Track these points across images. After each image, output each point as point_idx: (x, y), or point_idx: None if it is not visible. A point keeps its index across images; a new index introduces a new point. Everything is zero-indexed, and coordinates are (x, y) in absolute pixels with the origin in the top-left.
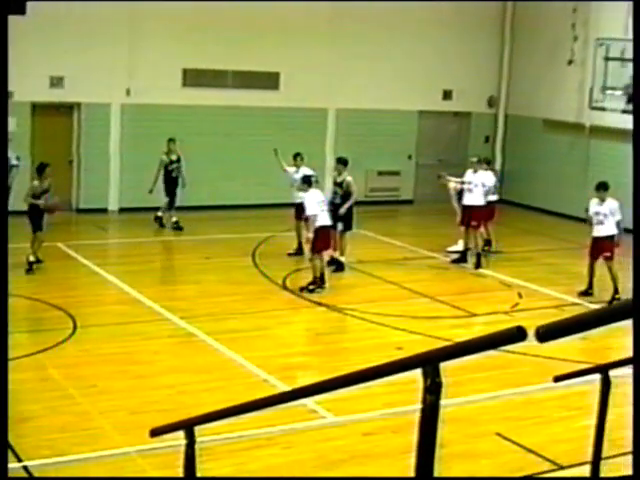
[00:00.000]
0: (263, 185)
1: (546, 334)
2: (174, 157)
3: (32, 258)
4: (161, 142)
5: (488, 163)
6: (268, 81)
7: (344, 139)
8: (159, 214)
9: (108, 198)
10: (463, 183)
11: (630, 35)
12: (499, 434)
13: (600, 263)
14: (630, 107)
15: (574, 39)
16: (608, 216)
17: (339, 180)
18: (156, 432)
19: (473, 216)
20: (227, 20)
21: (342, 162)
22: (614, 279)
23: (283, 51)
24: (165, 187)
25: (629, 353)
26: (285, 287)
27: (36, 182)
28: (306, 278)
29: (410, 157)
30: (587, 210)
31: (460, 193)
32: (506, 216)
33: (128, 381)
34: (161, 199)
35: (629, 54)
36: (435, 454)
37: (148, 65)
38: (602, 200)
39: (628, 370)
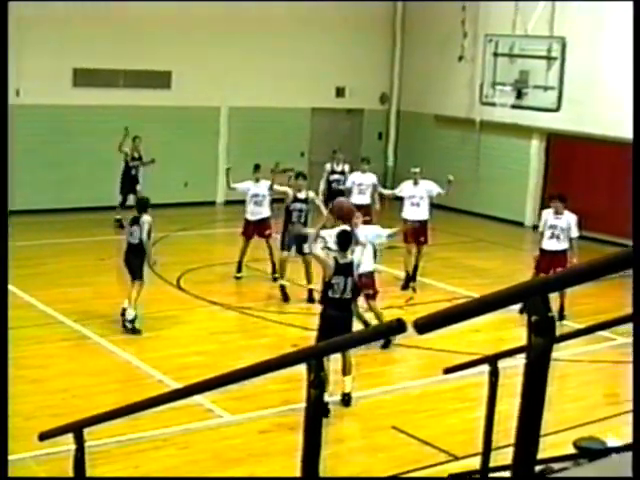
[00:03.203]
0: (154, 185)
1: (424, 326)
2: (136, 154)
3: None
4: (52, 142)
5: (368, 162)
6: (160, 80)
7: (237, 137)
8: (118, 216)
9: None
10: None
11: (518, 31)
12: (395, 427)
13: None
14: (519, 102)
15: (464, 35)
16: (565, 230)
17: (302, 196)
18: (45, 436)
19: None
20: (117, 19)
21: (302, 176)
22: (562, 294)
23: (174, 50)
24: (122, 185)
25: (519, 343)
26: (179, 287)
27: None
28: (200, 278)
29: (303, 154)
30: (538, 226)
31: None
32: (400, 211)
33: (22, 386)
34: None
35: (517, 50)
36: (321, 449)
37: (37, 65)
38: (558, 213)
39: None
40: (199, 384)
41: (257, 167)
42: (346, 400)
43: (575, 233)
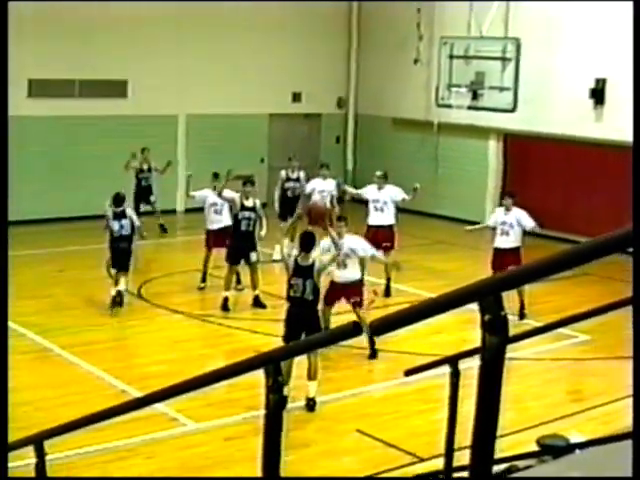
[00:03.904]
0: (111, 194)
1: (380, 327)
2: (145, 166)
3: None
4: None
5: (328, 168)
6: (116, 89)
7: (195, 145)
8: (160, 221)
9: None
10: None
11: (473, 33)
12: (360, 430)
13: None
14: (475, 103)
15: (419, 38)
16: (514, 226)
17: (250, 204)
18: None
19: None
20: (71, 28)
21: (250, 182)
22: (520, 292)
23: (130, 58)
24: (135, 198)
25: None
26: (140, 296)
27: None
28: (161, 287)
29: (262, 160)
30: (489, 225)
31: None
32: (359, 214)
33: None
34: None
35: (473, 51)
36: (286, 454)
37: None
38: (507, 209)
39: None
40: (156, 393)
41: (216, 175)
42: (310, 405)
43: (529, 224)
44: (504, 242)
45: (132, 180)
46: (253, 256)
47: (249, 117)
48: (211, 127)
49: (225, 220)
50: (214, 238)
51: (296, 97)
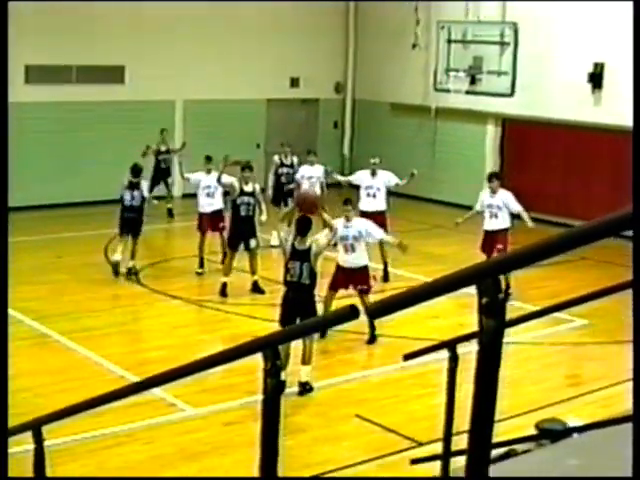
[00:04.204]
0: (112, 181)
1: (377, 311)
2: (163, 148)
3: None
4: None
5: (315, 154)
6: (113, 75)
7: (193, 130)
8: (169, 205)
9: None
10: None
11: (470, 17)
12: (359, 416)
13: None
14: (473, 88)
15: (417, 23)
16: (502, 208)
17: (249, 189)
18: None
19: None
20: (68, 14)
21: (249, 168)
22: (506, 276)
23: (127, 44)
24: (152, 179)
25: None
26: (139, 282)
27: None
28: (159, 272)
29: (259, 146)
30: (477, 209)
31: None
32: (357, 199)
33: None
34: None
35: (470, 36)
36: (285, 440)
37: None
38: (493, 192)
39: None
40: (155, 377)
41: (209, 158)
42: (307, 389)
43: (516, 207)
44: (493, 224)
45: (151, 162)
46: (252, 242)
47: (247, 102)
48: (209, 112)
49: (217, 204)
50: (207, 221)
51: (294, 82)
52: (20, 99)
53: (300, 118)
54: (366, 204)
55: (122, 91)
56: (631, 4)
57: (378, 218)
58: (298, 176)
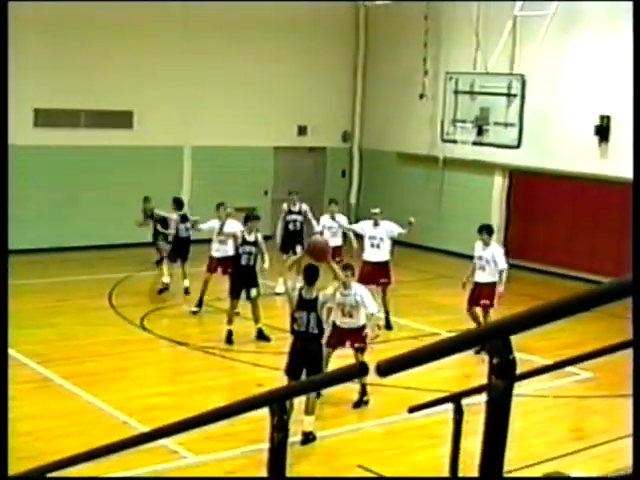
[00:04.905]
0: (118, 224)
1: (386, 369)
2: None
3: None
4: (12, 184)
5: (337, 203)
6: (121, 120)
7: (200, 177)
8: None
9: None
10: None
11: (478, 69)
12: (361, 466)
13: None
14: (480, 139)
15: (425, 73)
16: (490, 262)
17: (251, 239)
18: None
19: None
20: (77, 58)
21: (255, 218)
22: (485, 316)
23: (136, 89)
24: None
25: (484, 380)
26: (143, 327)
27: None
28: (164, 318)
29: (266, 193)
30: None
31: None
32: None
33: None
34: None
35: (478, 87)
36: None
37: None
38: (486, 244)
39: (483, 397)
40: (163, 428)
41: (219, 206)
42: (310, 439)
43: (502, 265)
44: (480, 276)
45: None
46: (253, 292)
47: (254, 150)
48: (216, 159)
49: (230, 251)
50: (216, 264)
51: (302, 130)
52: (28, 142)
53: (307, 166)
54: (370, 254)
55: (130, 136)
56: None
57: (382, 268)
58: (320, 227)
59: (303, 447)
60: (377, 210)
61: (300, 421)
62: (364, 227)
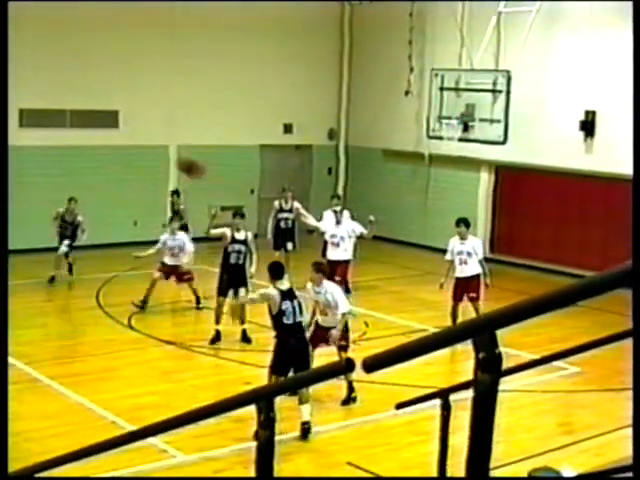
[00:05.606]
0: (104, 224)
1: (372, 365)
2: (69, 219)
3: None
4: None
5: (339, 198)
6: (107, 119)
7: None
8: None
9: None
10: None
11: (464, 65)
12: (350, 463)
13: (464, 304)
14: (466, 135)
15: (410, 70)
16: (472, 254)
17: (241, 237)
18: None
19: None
20: (63, 58)
21: (240, 215)
22: (476, 311)
23: (121, 89)
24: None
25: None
26: (131, 327)
27: None
28: (152, 317)
29: (252, 191)
30: (448, 259)
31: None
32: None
33: None
34: None
35: (463, 84)
36: None
37: None
38: (463, 238)
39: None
40: (150, 427)
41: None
42: (306, 429)
43: (480, 255)
44: (463, 271)
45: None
46: (242, 291)
47: (240, 148)
48: (202, 158)
49: (180, 260)
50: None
51: (287, 128)
52: (14, 142)
53: (294, 164)
54: (331, 253)
55: (116, 136)
56: (622, 56)
57: (340, 267)
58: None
59: (292, 444)
60: (338, 208)
61: (289, 418)
62: (326, 225)
